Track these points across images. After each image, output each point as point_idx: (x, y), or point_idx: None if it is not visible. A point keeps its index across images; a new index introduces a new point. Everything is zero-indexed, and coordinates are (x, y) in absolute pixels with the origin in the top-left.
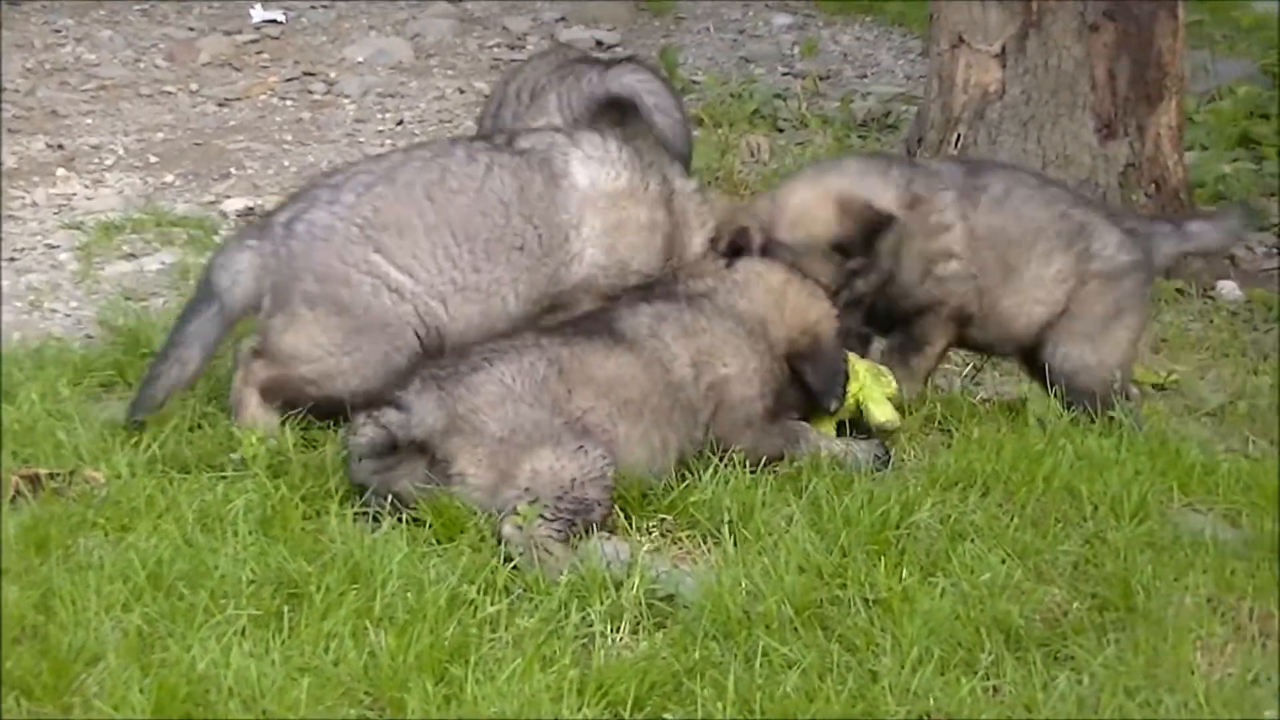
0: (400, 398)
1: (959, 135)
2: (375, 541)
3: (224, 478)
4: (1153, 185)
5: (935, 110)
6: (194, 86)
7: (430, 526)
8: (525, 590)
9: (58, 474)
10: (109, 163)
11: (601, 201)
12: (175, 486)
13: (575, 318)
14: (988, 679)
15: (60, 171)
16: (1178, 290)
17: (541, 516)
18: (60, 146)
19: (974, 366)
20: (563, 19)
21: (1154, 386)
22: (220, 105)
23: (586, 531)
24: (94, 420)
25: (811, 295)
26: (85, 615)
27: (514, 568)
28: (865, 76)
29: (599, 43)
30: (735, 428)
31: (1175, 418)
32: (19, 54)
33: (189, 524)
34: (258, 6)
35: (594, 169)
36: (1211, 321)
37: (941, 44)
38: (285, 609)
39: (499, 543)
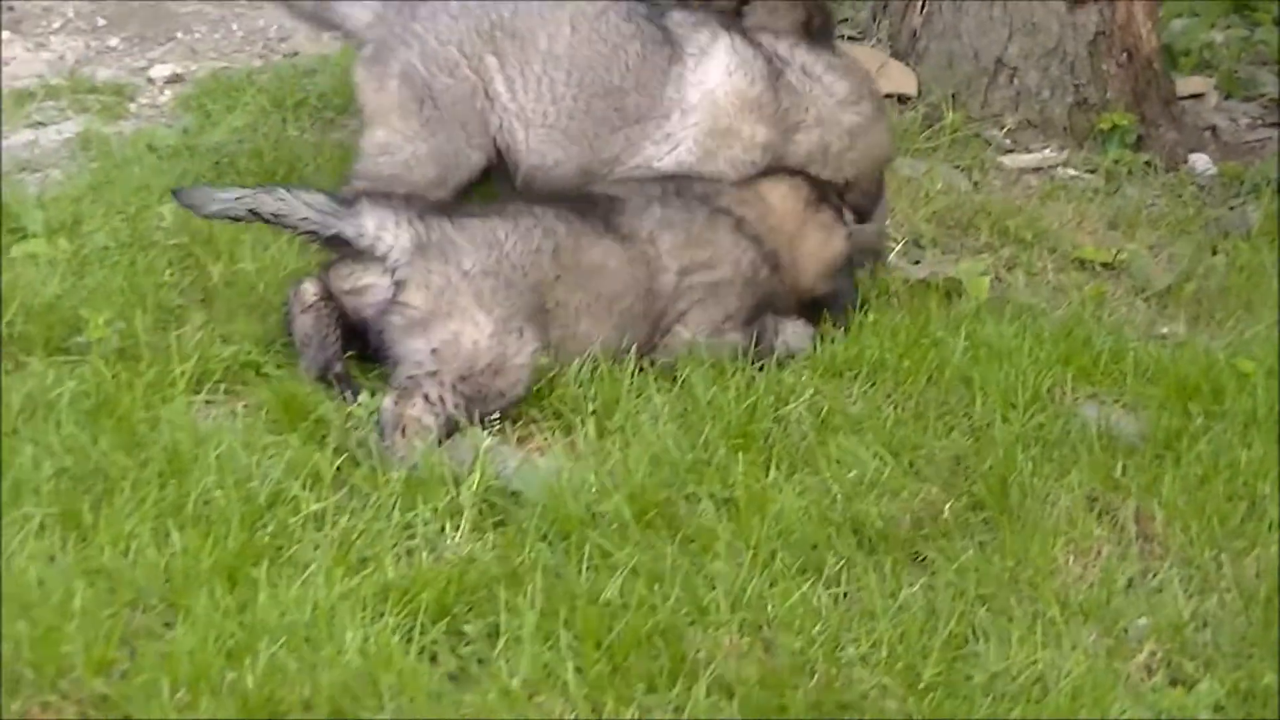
0: (356, 198)
1: (923, 3)
2: (209, 430)
3: (68, 363)
4: (1124, 54)
5: None
6: None
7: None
8: (357, 486)
9: None
10: (56, 25)
11: (724, 102)
12: (13, 372)
13: (575, 195)
14: (835, 585)
15: (5, 34)
16: (1145, 164)
17: (424, 395)
18: (11, 8)
19: (914, 242)
20: None
21: (1102, 265)
22: None
23: (471, 423)
24: None
25: (830, 230)
26: None
27: (348, 457)
28: None
29: None
30: (703, 325)
31: (1117, 299)
32: None
33: (12, 413)
34: None
35: (731, 65)
36: (1179, 196)
37: None
38: (86, 507)
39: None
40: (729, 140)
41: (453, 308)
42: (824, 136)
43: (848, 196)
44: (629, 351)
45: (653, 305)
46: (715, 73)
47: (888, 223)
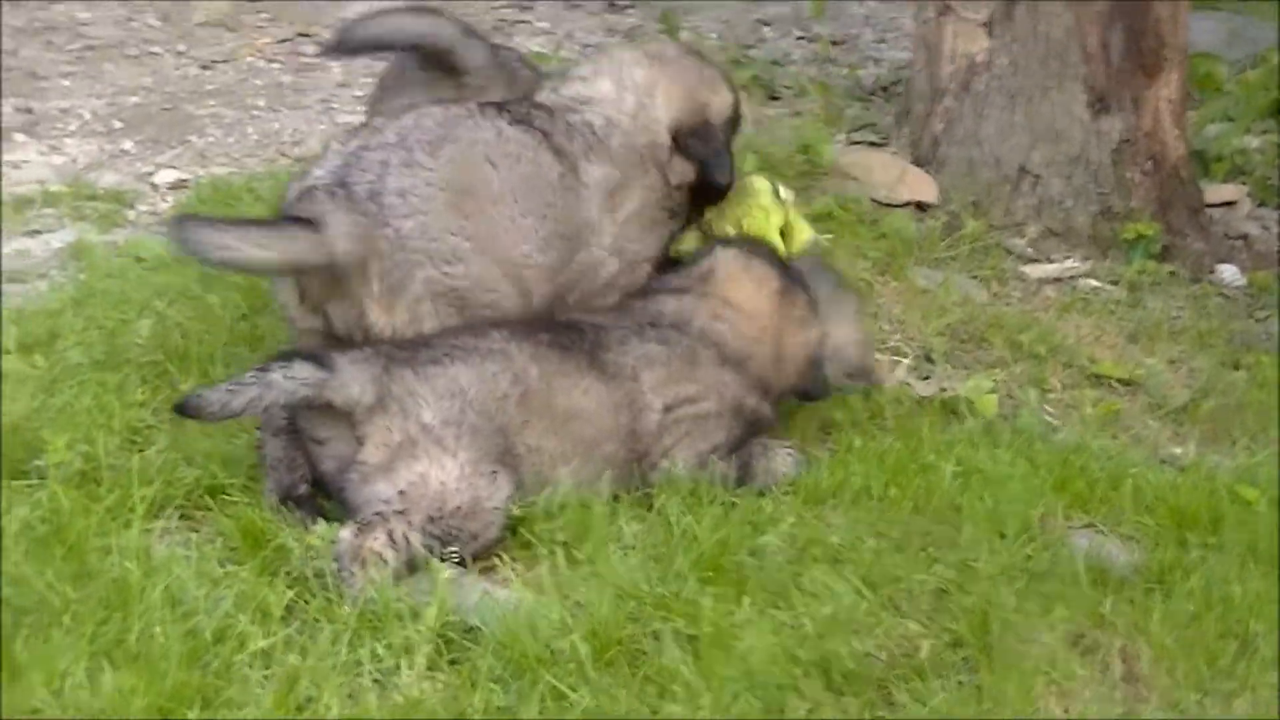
0: (328, 355)
1: (945, 108)
2: (162, 560)
3: (29, 486)
4: (1150, 162)
5: (922, 81)
6: (182, 48)
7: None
8: (309, 620)
9: None
10: (72, 128)
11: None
12: None
13: (559, 322)
14: None
15: (19, 137)
16: (1170, 274)
17: (389, 530)
18: (29, 110)
19: (925, 357)
20: None
21: (1119, 381)
22: (203, 68)
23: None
24: None
25: (805, 323)
26: None
27: (302, 589)
28: (883, 41)
29: (612, 3)
30: (690, 459)
31: (1132, 416)
32: (9, 10)
33: None
34: None
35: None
36: (1204, 308)
37: (928, 10)
38: (18, 643)
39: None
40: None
41: (415, 455)
42: None
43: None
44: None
45: (636, 445)
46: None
47: (897, 338)
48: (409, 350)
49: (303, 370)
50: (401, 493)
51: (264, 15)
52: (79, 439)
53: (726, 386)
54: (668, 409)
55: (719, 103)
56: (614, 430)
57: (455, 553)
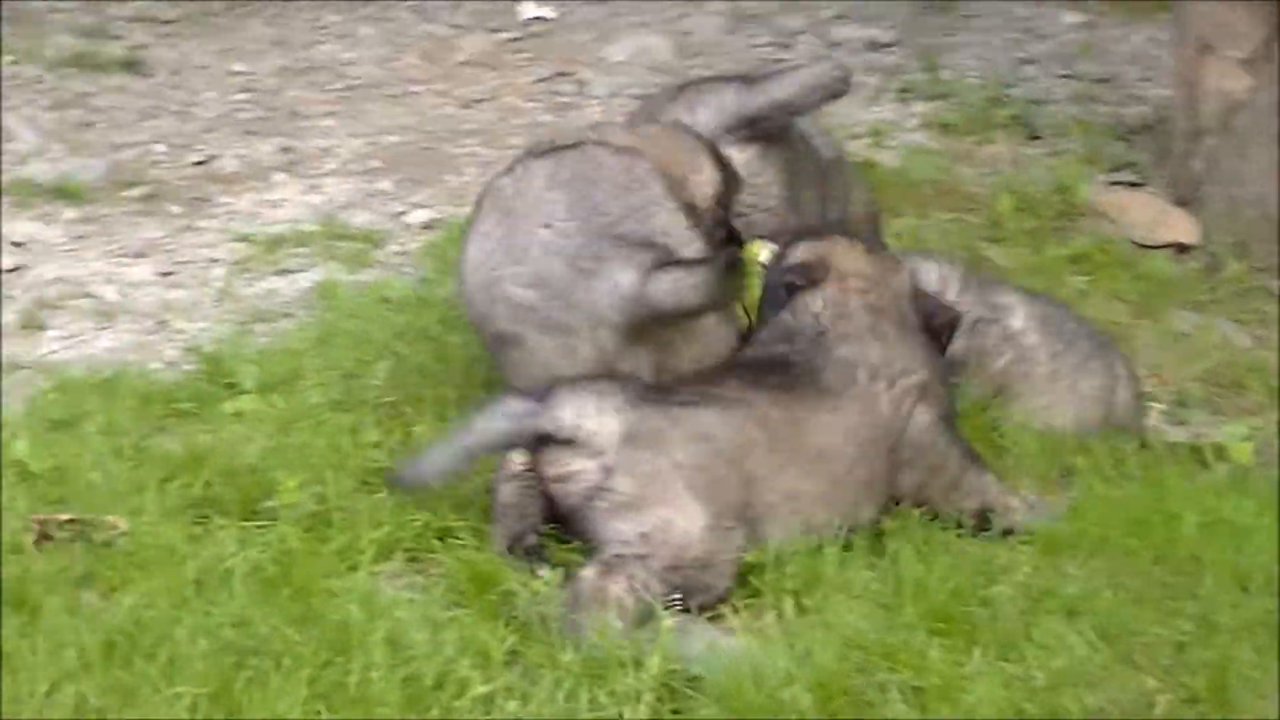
0: (544, 388)
1: (1206, 147)
2: (385, 604)
3: (260, 527)
4: None
5: (1182, 120)
6: (443, 87)
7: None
8: (530, 667)
9: (77, 520)
10: (330, 167)
11: None
12: (202, 537)
13: (766, 360)
14: None
15: (279, 176)
16: None
17: (629, 574)
18: (290, 150)
19: (1180, 403)
20: (841, 16)
21: None
22: (464, 107)
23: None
24: (150, 453)
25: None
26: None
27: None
28: (1148, 79)
29: (873, 42)
30: (928, 421)
31: None
32: (276, 52)
33: (187, 581)
34: (528, 3)
35: None
36: None
37: (1187, 49)
38: (238, 684)
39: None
40: None
41: (665, 495)
42: None
43: None
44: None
45: (882, 451)
46: None
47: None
48: (656, 390)
49: (511, 406)
50: (644, 535)
51: (525, 54)
52: (311, 480)
53: (915, 353)
54: (891, 383)
55: (700, 181)
56: (861, 450)
57: (681, 602)
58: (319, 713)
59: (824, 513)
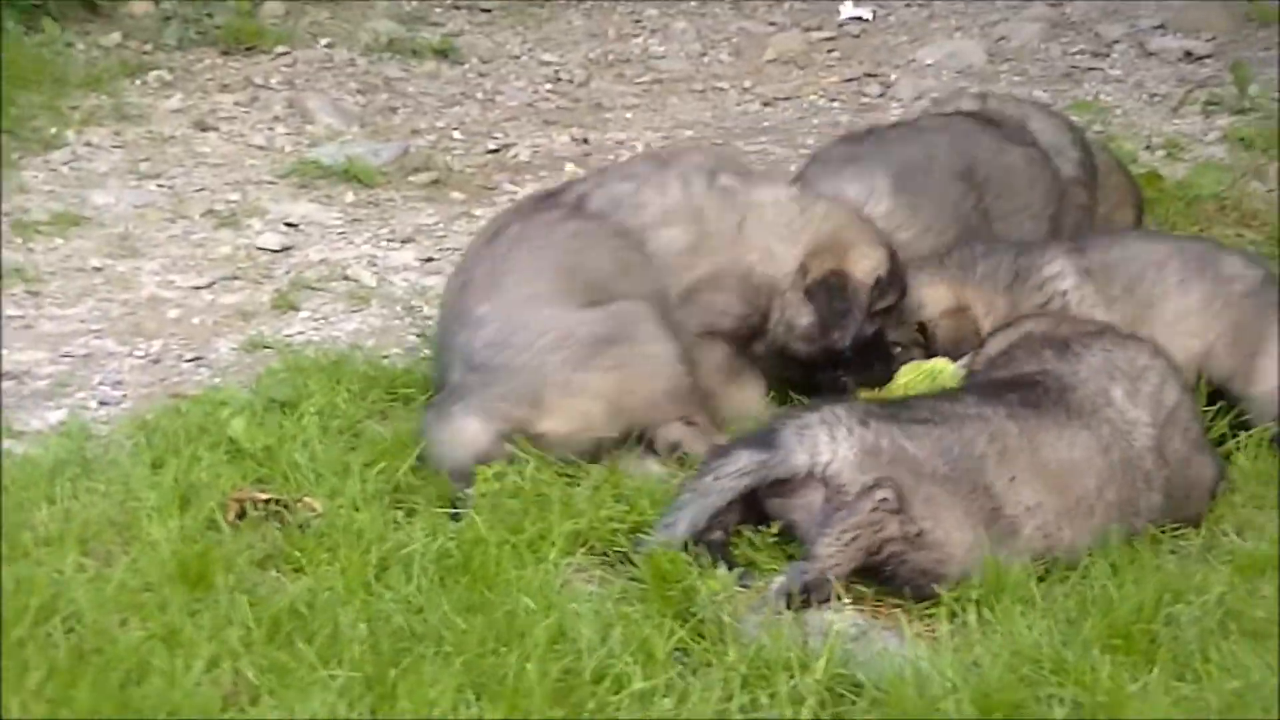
0: (771, 432)
1: None
2: (560, 595)
3: (453, 515)
4: None
5: None
6: (749, 84)
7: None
8: (700, 665)
9: (275, 500)
10: (622, 159)
11: None
12: (396, 523)
13: (1015, 379)
14: None
15: (569, 167)
16: None
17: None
18: (585, 140)
19: None
20: (1160, 26)
21: None
22: (766, 105)
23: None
24: (362, 438)
25: None
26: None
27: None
28: None
29: (1188, 53)
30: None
31: None
32: (588, 44)
33: (370, 565)
34: (848, 3)
35: None
36: None
37: None
38: (392, 671)
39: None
40: None
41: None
42: None
43: None
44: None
45: (1136, 476)
46: None
47: None
48: (888, 408)
49: (740, 460)
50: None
51: (834, 54)
52: (508, 471)
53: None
54: (1154, 421)
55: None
56: (1110, 473)
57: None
58: (468, 701)
59: (1068, 530)
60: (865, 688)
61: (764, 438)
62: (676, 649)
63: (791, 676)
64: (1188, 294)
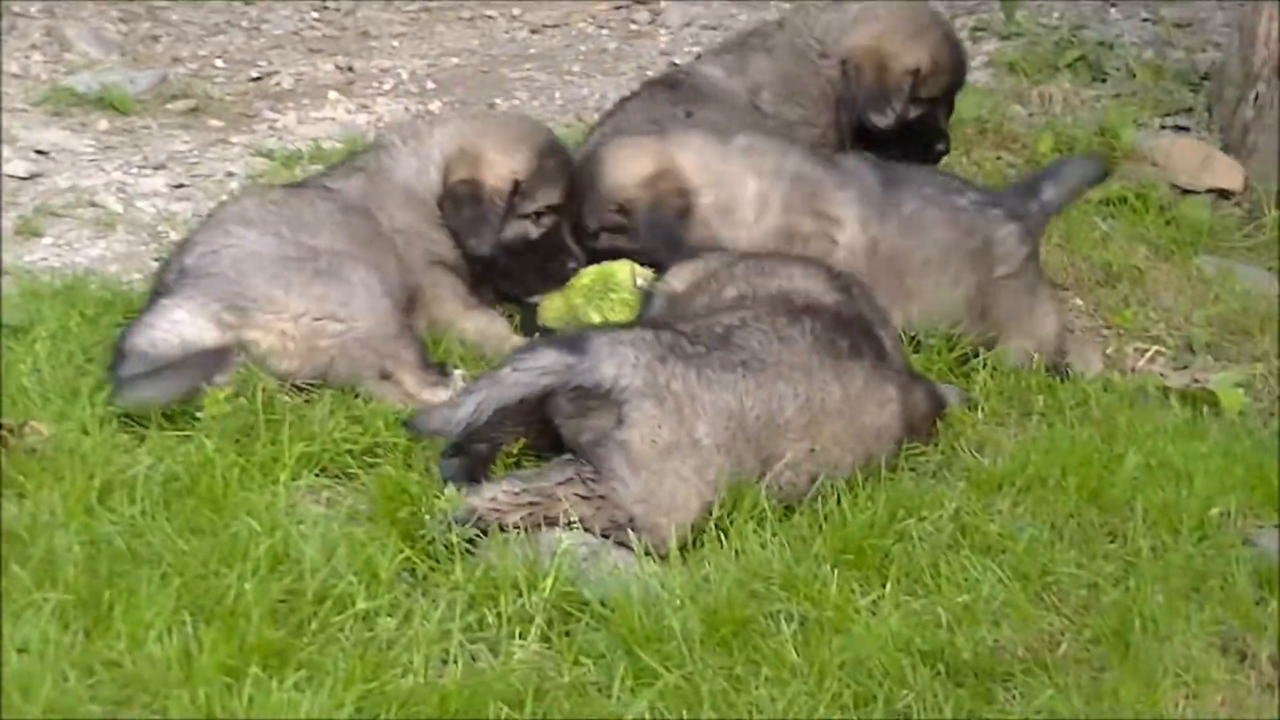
0: (582, 338)
1: (1257, 94)
2: (285, 518)
3: (186, 436)
4: None
5: (1235, 67)
6: (517, 11)
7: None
8: (425, 585)
9: (3, 423)
10: (386, 88)
11: None
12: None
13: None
14: None
15: (332, 94)
16: None
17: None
18: (350, 69)
19: (1186, 347)
20: None
21: None
22: (533, 32)
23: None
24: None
25: None
26: None
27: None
28: (1230, 26)
29: None
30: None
31: None
32: None
33: (94, 490)
34: None
35: None
36: None
37: None
38: (108, 593)
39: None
40: None
41: (676, 472)
42: None
43: None
44: None
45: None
46: None
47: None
48: (700, 344)
49: (545, 358)
50: (642, 501)
51: None
52: (242, 393)
53: None
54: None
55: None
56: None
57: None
58: (183, 622)
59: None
60: (591, 605)
61: (574, 342)
62: (404, 570)
63: (520, 596)
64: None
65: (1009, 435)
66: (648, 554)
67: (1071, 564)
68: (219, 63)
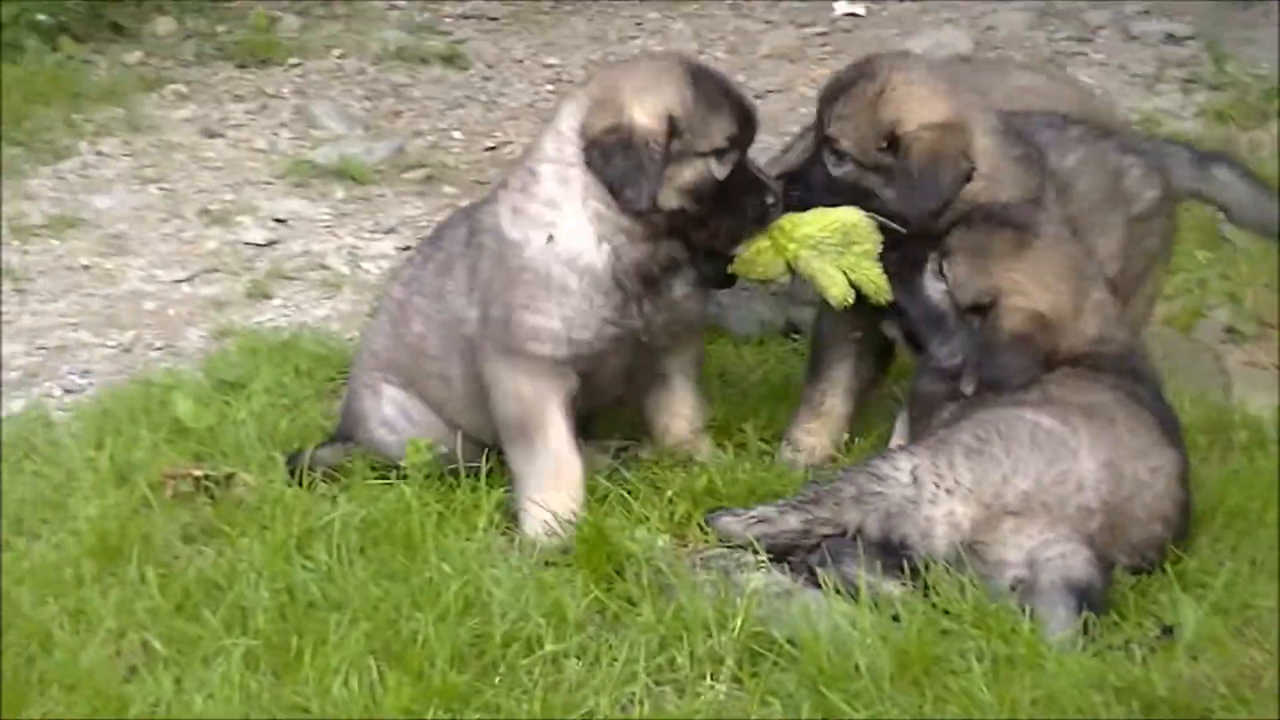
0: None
1: None
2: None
3: (388, 484)
4: None
5: None
6: (742, 78)
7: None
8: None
9: (208, 476)
10: None
11: None
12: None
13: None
14: None
15: (491, 173)
16: None
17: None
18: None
19: None
20: (1145, 11)
21: None
22: (757, 97)
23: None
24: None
25: None
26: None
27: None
28: None
29: (1170, 35)
30: None
31: None
32: (590, 47)
33: (292, 538)
34: (842, 0)
35: None
36: None
37: None
38: (296, 638)
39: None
40: None
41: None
42: None
43: None
44: None
45: None
46: None
47: None
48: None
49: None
50: None
51: (827, 48)
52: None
53: None
54: None
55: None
56: None
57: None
58: (368, 668)
59: None
60: (779, 645)
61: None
62: (595, 611)
63: (709, 636)
64: None
65: (1209, 469)
66: (838, 593)
67: (1272, 598)
68: (456, 134)
